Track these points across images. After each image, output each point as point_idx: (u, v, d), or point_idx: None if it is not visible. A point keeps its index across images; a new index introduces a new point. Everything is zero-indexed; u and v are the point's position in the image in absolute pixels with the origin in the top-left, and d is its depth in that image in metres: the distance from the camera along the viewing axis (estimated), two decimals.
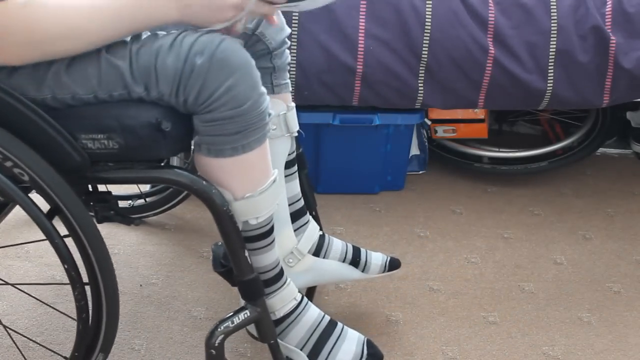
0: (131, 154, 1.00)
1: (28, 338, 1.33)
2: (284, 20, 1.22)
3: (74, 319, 1.19)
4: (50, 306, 1.28)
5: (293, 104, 1.28)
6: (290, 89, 1.28)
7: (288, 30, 1.23)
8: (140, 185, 1.75)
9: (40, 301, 1.32)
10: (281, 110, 1.24)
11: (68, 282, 1.01)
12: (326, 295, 1.52)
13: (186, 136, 1.04)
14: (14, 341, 1.29)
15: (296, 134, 1.30)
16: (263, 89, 0.99)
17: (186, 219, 1.81)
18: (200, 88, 0.94)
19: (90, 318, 1.06)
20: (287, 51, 1.24)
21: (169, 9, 0.94)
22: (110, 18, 0.92)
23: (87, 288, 1.03)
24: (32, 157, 0.95)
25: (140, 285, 1.54)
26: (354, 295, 1.53)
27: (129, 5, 0.93)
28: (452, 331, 1.43)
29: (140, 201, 1.75)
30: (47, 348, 1.32)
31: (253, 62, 0.97)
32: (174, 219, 1.80)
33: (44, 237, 0.99)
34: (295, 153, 1.32)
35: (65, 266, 1.00)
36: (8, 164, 0.94)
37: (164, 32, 0.97)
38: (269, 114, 1.02)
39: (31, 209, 0.97)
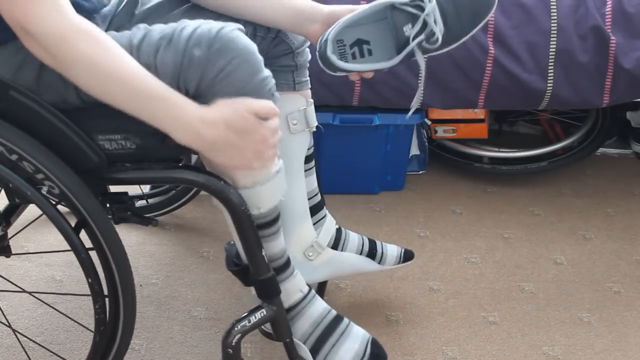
0: (148, 153, 1.00)
1: (28, 338, 1.33)
2: None
3: (76, 322, 1.19)
4: (54, 308, 1.28)
5: (312, 100, 1.29)
6: (310, 85, 1.29)
7: None
8: (142, 186, 1.75)
9: (43, 302, 1.32)
10: (301, 106, 1.25)
11: (89, 294, 1.02)
12: (326, 295, 1.52)
13: None
14: (20, 342, 1.29)
15: (315, 129, 1.30)
16: (266, 73, 0.98)
17: (186, 219, 1.81)
18: (200, 79, 0.94)
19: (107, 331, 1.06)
20: (307, 49, 1.25)
21: (186, 131, 0.92)
22: (134, 92, 0.90)
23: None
24: (64, 171, 0.95)
25: (140, 285, 1.54)
26: (354, 295, 1.53)
27: (157, 96, 0.90)
28: (452, 331, 1.43)
29: (142, 202, 1.75)
30: (46, 349, 1.32)
31: (254, 47, 0.96)
32: (174, 219, 1.80)
33: (63, 248, 0.99)
34: (312, 149, 1.32)
35: (89, 280, 1.00)
36: (39, 176, 0.94)
37: (163, 25, 0.97)
38: (273, 95, 1.00)
39: (60, 223, 0.98)
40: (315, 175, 1.34)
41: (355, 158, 1.90)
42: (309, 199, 1.32)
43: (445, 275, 1.61)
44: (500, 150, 2.09)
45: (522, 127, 2.40)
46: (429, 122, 2.00)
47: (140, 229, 1.75)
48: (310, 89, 1.29)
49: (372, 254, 1.39)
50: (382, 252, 1.41)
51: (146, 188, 1.78)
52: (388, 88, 1.72)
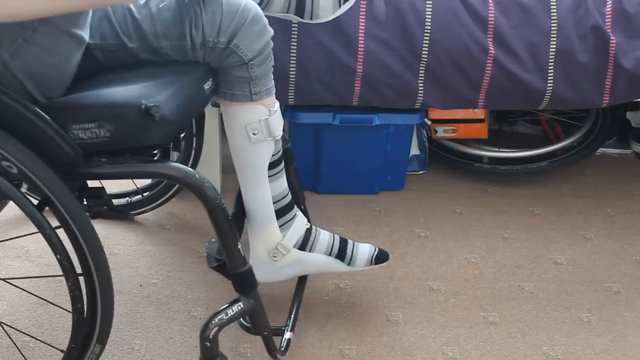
0: (123, 141, 1.01)
1: (30, 336, 1.33)
2: (265, 24, 1.18)
3: (69, 312, 1.19)
4: (49, 301, 1.28)
5: (277, 107, 1.26)
6: (275, 91, 1.26)
7: (270, 33, 1.19)
8: (137, 181, 1.75)
9: (41, 298, 1.32)
10: (262, 116, 1.22)
11: (61, 273, 1.02)
12: (326, 295, 1.52)
13: (178, 120, 1.05)
14: (12, 341, 1.29)
15: (279, 138, 1.28)
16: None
17: (186, 219, 1.81)
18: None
19: (85, 308, 1.06)
20: (270, 56, 1.21)
21: None
22: None
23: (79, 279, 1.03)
24: (20, 149, 0.95)
25: (140, 285, 1.54)
26: (354, 295, 1.53)
27: None
28: (452, 331, 1.43)
29: (138, 197, 1.75)
30: (48, 344, 1.32)
31: None
32: (174, 219, 1.80)
33: (36, 230, 0.99)
34: (280, 152, 1.31)
35: (58, 256, 1.01)
36: None
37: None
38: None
39: (21, 201, 0.98)
40: (284, 177, 1.34)
41: (355, 158, 1.90)
42: (275, 202, 1.32)
43: (445, 275, 1.61)
44: (500, 150, 2.09)
45: (522, 127, 2.40)
46: (429, 122, 2.00)
47: (139, 229, 1.75)
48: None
49: (341, 255, 1.39)
50: (352, 254, 1.40)
51: (140, 183, 1.78)
52: (388, 88, 1.72)
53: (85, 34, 1.06)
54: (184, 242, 1.71)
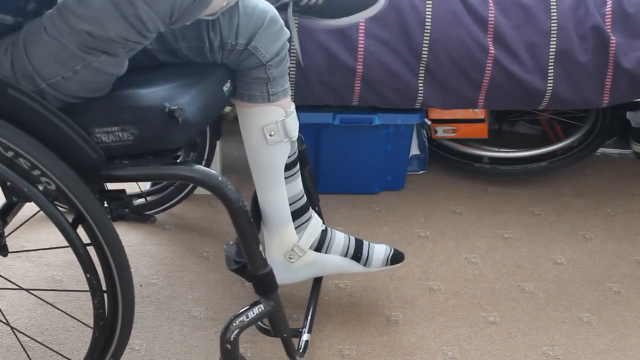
0: (146, 144, 1.01)
1: (30, 337, 1.33)
2: (282, 26, 1.19)
3: (77, 319, 1.19)
4: (54, 306, 1.28)
5: (292, 108, 1.27)
6: (290, 92, 1.27)
7: (286, 34, 1.20)
8: (141, 185, 1.75)
9: (45, 301, 1.32)
10: (279, 117, 1.23)
11: (87, 290, 1.02)
12: (326, 295, 1.52)
13: (200, 121, 1.04)
14: (20, 341, 1.29)
15: (295, 139, 1.29)
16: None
17: (186, 219, 1.81)
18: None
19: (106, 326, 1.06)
20: (287, 57, 1.22)
21: None
22: None
23: None
24: (60, 167, 0.95)
25: (140, 285, 1.54)
26: (354, 295, 1.53)
27: None
28: (452, 331, 1.43)
29: (141, 200, 1.75)
30: (48, 347, 1.32)
31: None
32: (174, 219, 1.80)
33: (64, 244, 0.99)
34: (296, 154, 1.31)
35: (88, 275, 1.01)
36: (35, 172, 0.95)
37: None
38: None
39: (57, 219, 0.98)
40: (299, 180, 1.34)
41: (355, 158, 1.90)
42: (291, 204, 1.32)
43: (445, 275, 1.61)
44: (500, 150, 2.09)
45: (522, 127, 2.40)
46: (429, 122, 2.00)
47: (139, 229, 1.75)
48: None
49: (357, 256, 1.39)
50: (368, 255, 1.40)
51: (144, 186, 1.79)
52: (388, 88, 1.72)
53: (125, 69, 1.05)
54: (184, 242, 1.71)
